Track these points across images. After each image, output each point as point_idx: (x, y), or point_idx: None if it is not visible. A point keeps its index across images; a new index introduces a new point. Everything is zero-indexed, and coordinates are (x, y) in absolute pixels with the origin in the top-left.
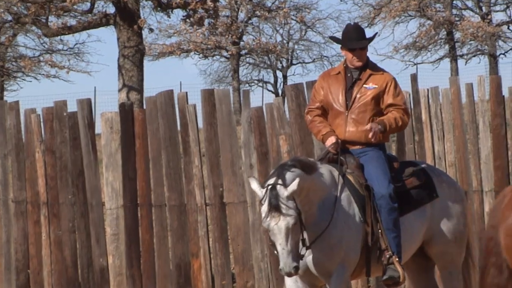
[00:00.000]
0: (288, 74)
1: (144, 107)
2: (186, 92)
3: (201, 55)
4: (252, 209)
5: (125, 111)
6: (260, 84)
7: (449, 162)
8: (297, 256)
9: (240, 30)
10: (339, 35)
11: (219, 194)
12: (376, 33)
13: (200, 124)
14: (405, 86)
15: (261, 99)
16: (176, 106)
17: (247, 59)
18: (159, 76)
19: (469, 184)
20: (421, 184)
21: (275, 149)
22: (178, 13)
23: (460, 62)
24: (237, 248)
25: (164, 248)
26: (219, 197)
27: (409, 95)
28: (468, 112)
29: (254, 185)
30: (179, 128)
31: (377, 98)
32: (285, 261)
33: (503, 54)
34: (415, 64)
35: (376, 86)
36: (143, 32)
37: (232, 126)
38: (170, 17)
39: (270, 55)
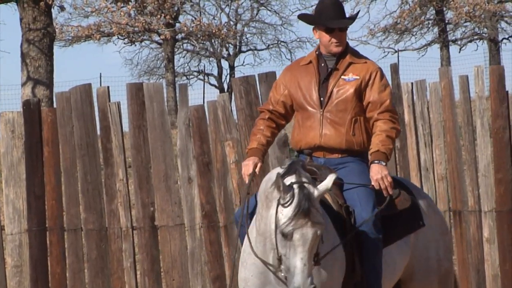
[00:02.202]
0: (236, 64)
1: (55, 105)
2: (108, 87)
3: (126, 40)
4: (190, 234)
5: (30, 110)
6: (201, 76)
7: (439, 175)
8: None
9: (176, 8)
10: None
11: (149, 216)
12: (359, 11)
13: (126, 127)
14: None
15: (201, 96)
16: (95, 104)
17: (185, 45)
18: (73, 67)
19: (464, 203)
20: (408, 208)
21: (219, 158)
22: None
23: (453, 49)
24: (171, 283)
25: (79, 283)
26: (150, 219)
27: None
28: (462, 112)
29: (279, 181)
30: (98, 132)
31: (359, 93)
32: (304, 281)
33: (507, 39)
34: (396, 52)
35: (358, 77)
36: (52, 10)
37: (166, 129)
38: None
39: (213, 40)
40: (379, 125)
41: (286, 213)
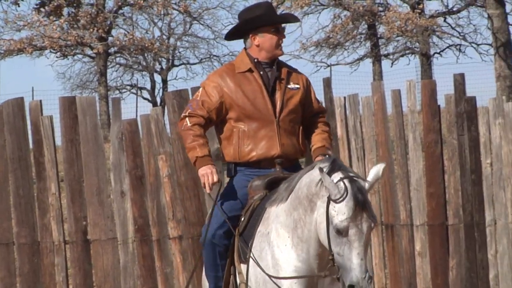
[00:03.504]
0: (169, 78)
1: None
2: (40, 101)
3: (58, 53)
4: (123, 248)
5: None
6: (134, 90)
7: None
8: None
9: (108, 22)
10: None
11: (81, 230)
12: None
13: (58, 141)
14: (316, 92)
15: (134, 110)
16: (28, 118)
17: (117, 59)
18: (5, 80)
19: (396, 217)
20: None
21: (152, 172)
22: (30, 0)
23: (385, 63)
24: None
25: None
26: (82, 233)
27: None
28: (395, 126)
29: (328, 178)
30: (31, 145)
31: (304, 102)
32: (362, 276)
33: (438, 53)
34: (328, 66)
35: (298, 86)
36: None
37: (99, 143)
38: (19, 5)
39: (146, 54)
40: (320, 126)
41: (339, 208)
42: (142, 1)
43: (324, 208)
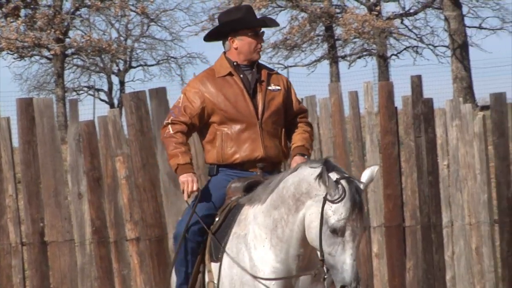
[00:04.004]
0: (126, 80)
1: None
2: None
3: (16, 55)
4: (80, 250)
5: None
6: (91, 92)
7: None
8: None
9: (66, 23)
10: (191, 29)
11: (39, 231)
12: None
13: (15, 142)
14: None
15: (92, 111)
16: None
17: (74, 60)
18: None
19: None
20: None
21: (110, 173)
22: None
23: (342, 65)
24: None
25: None
26: (39, 234)
27: None
28: (352, 128)
29: (330, 178)
30: None
31: (285, 103)
32: (354, 276)
33: (395, 55)
34: (285, 67)
35: (279, 87)
36: None
37: (56, 145)
38: None
39: (103, 56)
40: (302, 126)
41: (337, 208)
42: (99, 3)
43: (318, 207)
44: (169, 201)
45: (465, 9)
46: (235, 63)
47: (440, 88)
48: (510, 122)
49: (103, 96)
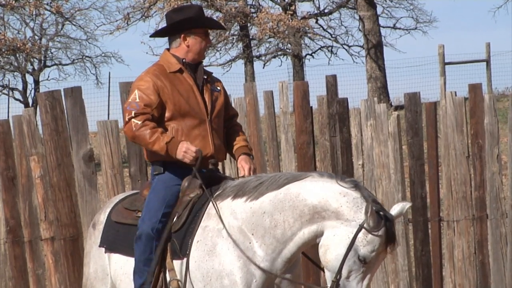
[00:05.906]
0: (41, 79)
1: None
2: None
3: None
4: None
5: None
6: (6, 91)
7: None
8: None
9: None
10: (106, 28)
11: None
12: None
13: None
14: None
15: (6, 110)
16: None
17: None
18: None
19: None
20: None
21: (24, 173)
22: None
23: (257, 64)
24: None
25: None
26: None
27: None
28: (267, 127)
29: (373, 209)
30: None
31: (225, 105)
32: None
33: (310, 54)
34: None
35: (219, 88)
36: None
37: None
38: None
39: (18, 55)
40: (238, 128)
41: (372, 240)
42: (13, 2)
43: (348, 232)
44: (84, 201)
45: (379, 9)
46: (184, 60)
47: (355, 88)
48: (424, 122)
49: (17, 95)
